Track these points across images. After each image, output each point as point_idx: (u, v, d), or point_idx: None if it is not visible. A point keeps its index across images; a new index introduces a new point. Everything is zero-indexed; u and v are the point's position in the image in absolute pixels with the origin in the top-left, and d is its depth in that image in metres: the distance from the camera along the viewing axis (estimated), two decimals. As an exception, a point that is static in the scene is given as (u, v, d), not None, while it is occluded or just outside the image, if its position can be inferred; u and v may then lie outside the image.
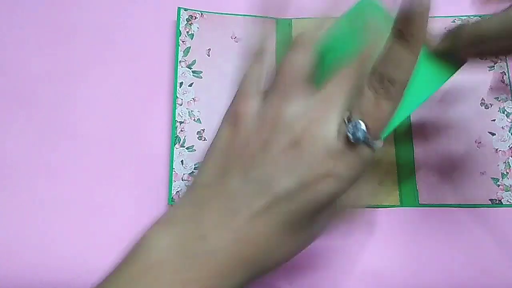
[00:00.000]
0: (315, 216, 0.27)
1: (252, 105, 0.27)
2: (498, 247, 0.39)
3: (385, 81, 0.25)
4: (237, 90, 0.28)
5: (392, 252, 0.40)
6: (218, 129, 0.28)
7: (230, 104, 0.28)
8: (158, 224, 0.26)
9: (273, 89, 0.27)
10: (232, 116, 0.28)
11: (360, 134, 0.25)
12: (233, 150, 0.27)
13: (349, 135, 0.25)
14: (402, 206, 0.41)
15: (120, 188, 0.41)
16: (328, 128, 0.25)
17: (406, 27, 0.24)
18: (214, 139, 0.28)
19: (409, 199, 0.41)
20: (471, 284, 0.39)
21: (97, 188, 0.42)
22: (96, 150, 0.43)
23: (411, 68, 0.25)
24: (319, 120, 0.25)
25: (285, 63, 0.27)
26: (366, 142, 0.25)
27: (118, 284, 0.25)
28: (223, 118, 0.28)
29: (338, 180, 0.25)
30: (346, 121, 0.25)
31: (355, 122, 0.25)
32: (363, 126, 0.25)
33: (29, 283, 0.39)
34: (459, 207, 0.41)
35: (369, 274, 0.39)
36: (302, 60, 0.27)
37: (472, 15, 0.46)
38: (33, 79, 0.45)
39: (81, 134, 0.43)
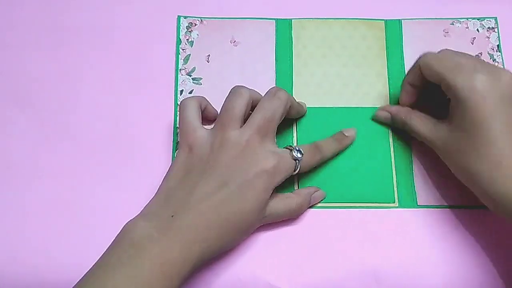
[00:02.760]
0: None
1: (200, 135, 0.37)
2: (497, 248, 0.39)
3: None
4: (181, 125, 0.38)
5: (391, 253, 0.40)
6: (176, 156, 0.38)
7: (180, 137, 0.39)
8: (135, 217, 0.35)
9: (217, 123, 0.37)
10: (185, 146, 0.37)
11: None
12: (192, 164, 0.36)
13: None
14: (400, 208, 0.41)
15: (120, 189, 0.42)
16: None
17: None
18: (172, 163, 0.37)
19: (407, 201, 0.41)
20: (470, 284, 0.39)
21: (97, 189, 0.42)
22: (97, 151, 0.43)
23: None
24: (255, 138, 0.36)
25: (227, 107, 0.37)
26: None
27: (109, 262, 0.32)
28: (178, 150, 0.38)
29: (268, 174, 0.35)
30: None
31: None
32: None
33: (29, 283, 0.39)
34: (457, 208, 0.41)
35: (369, 274, 0.39)
36: (239, 105, 0.37)
37: (470, 18, 0.46)
38: (33, 80, 0.45)
39: (81, 135, 0.43)
